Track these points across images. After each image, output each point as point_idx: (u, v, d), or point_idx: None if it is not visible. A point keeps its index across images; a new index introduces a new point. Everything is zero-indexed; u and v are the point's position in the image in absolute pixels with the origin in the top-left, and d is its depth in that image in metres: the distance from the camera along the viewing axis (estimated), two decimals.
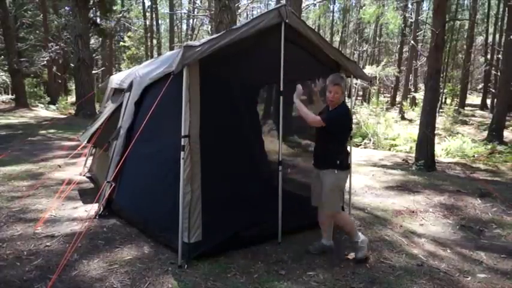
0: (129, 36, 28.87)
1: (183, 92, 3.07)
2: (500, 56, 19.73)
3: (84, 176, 5.81)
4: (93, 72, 18.82)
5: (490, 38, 28.34)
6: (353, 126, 3.65)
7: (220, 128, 3.88)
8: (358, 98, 27.70)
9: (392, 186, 5.93)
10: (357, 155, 9.48)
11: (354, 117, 11.01)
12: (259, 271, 3.10)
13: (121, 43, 29.41)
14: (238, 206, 3.53)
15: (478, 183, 6.05)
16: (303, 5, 15.79)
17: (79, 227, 3.84)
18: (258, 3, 36.73)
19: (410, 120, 20.09)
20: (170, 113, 3.35)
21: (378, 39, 35.20)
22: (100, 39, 22.98)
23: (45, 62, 21.34)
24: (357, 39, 35.68)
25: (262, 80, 4.81)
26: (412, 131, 14.58)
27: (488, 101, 26.12)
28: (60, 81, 25.04)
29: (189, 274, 2.99)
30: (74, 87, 21.59)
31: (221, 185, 3.48)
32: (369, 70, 21.99)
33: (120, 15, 23.98)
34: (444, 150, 11.97)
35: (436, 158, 8.37)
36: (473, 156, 11.35)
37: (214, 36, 3.24)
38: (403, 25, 23.80)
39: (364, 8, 21.53)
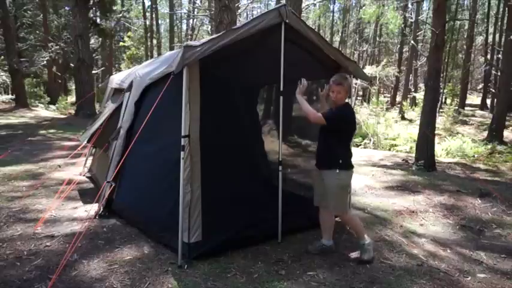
0: (129, 36, 28.85)
1: (183, 92, 3.06)
2: (500, 56, 19.71)
3: (84, 176, 5.81)
4: (93, 72, 18.81)
5: (490, 38, 28.31)
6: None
7: (220, 128, 3.89)
8: (358, 98, 27.67)
9: (392, 186, 5.93)
10: (357, 155, 9.47)
11: None
12: (259, 271, 3.10)
13: (121, 43, 29.38)
14: (238, 206, 3.53)
15: (478, 183, 6.05)
16: (303, 5, 15.79)
17: (79, 227, 3.84)
18: (258, 3, 36.75)
19: (410, 120, 20.10)
20: (170, 113, 3.35)
21: (378, 39, 35.18)
22: (100, 39, 22.96)
23: (45, 62, 21.35)
24: (357, 39, 35.72)
25: (262, 80, 4.81)
26: (412, 131, 14.58)
27: (488, 101, 26.11)
28: (60, 81, 25.06)
29: (189, 274, 2.99)
30: (74, 87, 21.63)
31: (221, 185, 3.47)
32: (369, 70, 22.01)
33: (120, 15, 23.95)
34: (444, 150, 11.96)
35: (436, 158, 8.36)
36: (473, 156, 11.35)
37: (214, 36, 3.24)
38: (403, 25, 23.76)
39: (364, 8, 21.50)
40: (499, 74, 17.38)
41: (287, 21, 3.38)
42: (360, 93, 29.54)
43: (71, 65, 20.46)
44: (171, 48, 26.99)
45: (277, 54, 3.42)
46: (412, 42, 21.63)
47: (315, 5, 26.18)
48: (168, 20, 35.16)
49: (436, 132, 8.41)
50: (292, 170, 4.79)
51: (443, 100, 25.07)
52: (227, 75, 3.99)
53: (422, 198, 5.29)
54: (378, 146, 13.58)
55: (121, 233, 3.76)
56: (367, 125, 15.34)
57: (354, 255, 3.42)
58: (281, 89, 3.47)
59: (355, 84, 21.32)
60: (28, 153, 7.76)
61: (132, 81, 4.46)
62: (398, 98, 29.25)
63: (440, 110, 20.04)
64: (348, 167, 3.31)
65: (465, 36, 29.20)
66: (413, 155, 8.49)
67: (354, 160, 3.35)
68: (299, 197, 4.25)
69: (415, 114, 20.25)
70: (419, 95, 22.97)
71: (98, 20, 21.34)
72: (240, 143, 4.42)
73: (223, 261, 3.22)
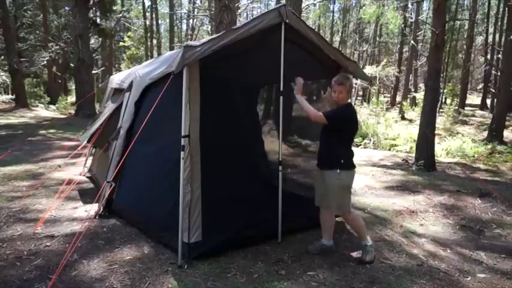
0: (129, 36, 28.86)
1: (183, 92, 3.07)
2: (500, 56, 19.71)
3: (84, 176, 5.81)
4: (93, 72, 18.82)
5: (490, 38, 28.32)
6: None
7: (220, 128, 3.89)
8: (358, 98, 27.69)
9: (392, 186, 5.93)
10: (357, 155, 9.42)
11: None
12: (259, 271, 3.10)
13: (121, 43, 29.38)
14: (238, 206, 3.53)
15: (478, 183, 6.05)
16: (303, 5, 15.78)
17: (79, 227, 3.84)
18: (258, 3, 36.74)
19: (410, 120, 20.10)
20: (170, 113, 3.35)
21: (378, 39, 35.19)
22: (100, 39, 22.97)
23: (45, 62, 21.35)
24: (357, 39, 35.72)
25: (262, 80, 4.81)
26: (412, 131, 14.58)
27: (488, 101, 26.11)
28: (60, 81, 25.06)
29: (189, 274, 2.99)
30: (74, 87, 21.62)
31: (221, 185, 3.47)
32: (369, 70, 22.02)
33: (120, 15, 23.96)
34: (444, 150, 11.96)
35: (436, 158, 8.36)
36: (473, 156, 11.34)
37: (214, 36, 3.24)
38: (403, 25, 23.77)
39: (364, 8, 21.50)
40: (499, 74, 17.38)
41: (287, 21, 3.38)
42: (360, 93, 29.57)
43: (71, 65, 20.46)
44: (171, 48, 26.99)
45: (277, 54, 3.42)
46: (412, 42, 21.63)
47: (315, 5, 26.18)
48: (168, 20, 35.18)
49: (436, 132, 8.41)
50: (292, 170, 4.79)
51: (443, 100, 25.08)
52: (227, 75, 3.98)
53: (422, 198, 5.29)
54: (378, 146, 13.58)
55: (121, 233, 3.76)
56: (367, 125, 15.34)
57: (355, 255, 3.42)
58: (281, 89, 3.47)
59: (355, 84, 21.33)
60: (28, 153, 7.76)
61: (132, 81, 4.46)
62: (398, 98, 29.25)
63: (440, 110, 20.04)
64: (350, 166, 3.30)
65: (465, 36, 29.21)
66: (413, 155, 8.49)
67: (354, 160, 3.35)
68: (299, 197, 4.25)
69: (415, 114, 20.25)
70: (419, 95, 22.97)
71: (98, 20, 21.35)
72: (240, 143, 4.42)
73: (223, 261, 3.22)
